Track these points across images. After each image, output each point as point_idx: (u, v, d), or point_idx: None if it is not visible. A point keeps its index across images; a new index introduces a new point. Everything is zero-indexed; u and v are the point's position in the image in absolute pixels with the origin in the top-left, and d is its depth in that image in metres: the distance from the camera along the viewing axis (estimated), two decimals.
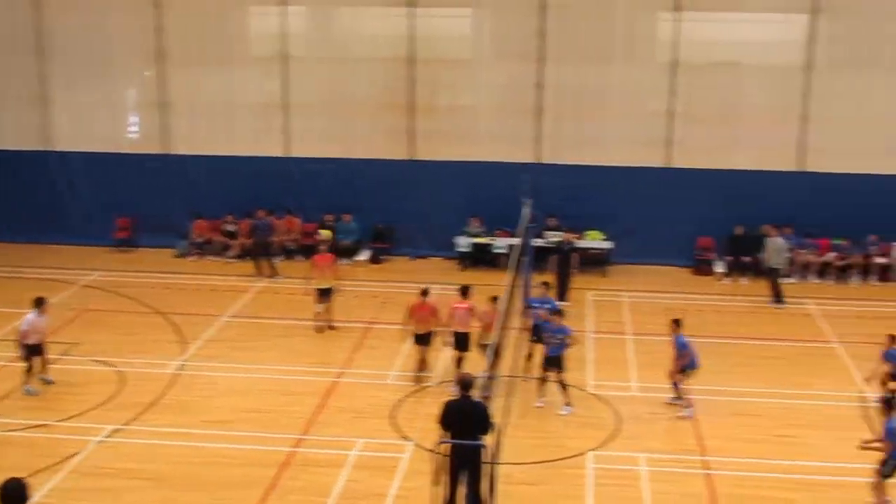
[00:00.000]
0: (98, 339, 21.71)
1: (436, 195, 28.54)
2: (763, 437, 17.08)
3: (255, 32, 29.60)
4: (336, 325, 22.47)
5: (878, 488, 14.59)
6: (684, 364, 18.21)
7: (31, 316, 18.65)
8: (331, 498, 15.17)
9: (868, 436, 15.82)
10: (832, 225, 27.11)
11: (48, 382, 18.97)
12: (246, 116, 29.22)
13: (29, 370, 18.70)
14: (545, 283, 20.89)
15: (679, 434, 17.49)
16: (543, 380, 18.45)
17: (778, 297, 24.92)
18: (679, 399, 18.31)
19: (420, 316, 19.55)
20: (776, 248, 25.00)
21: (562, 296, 24.37)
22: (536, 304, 19.86)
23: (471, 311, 19.16)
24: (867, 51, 26.99)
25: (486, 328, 18.95)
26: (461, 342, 19.15)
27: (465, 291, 19.42)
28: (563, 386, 18.25)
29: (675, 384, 18.37)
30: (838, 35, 26.90)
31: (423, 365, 19.66)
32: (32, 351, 18.66)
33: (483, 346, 18.31)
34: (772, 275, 25.07)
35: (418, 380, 19.49)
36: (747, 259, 26.85)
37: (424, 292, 19.79)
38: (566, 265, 24.82)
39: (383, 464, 16.22)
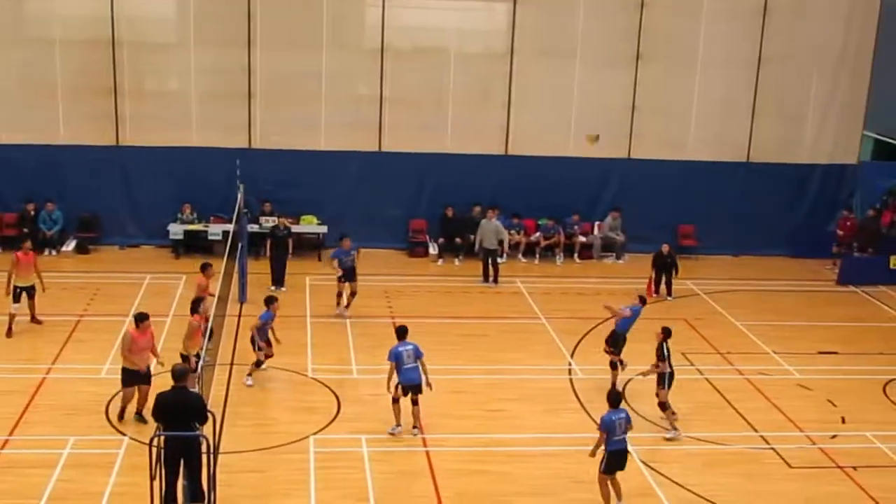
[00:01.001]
0: None
1: (146, 182, 27.73)
2: (476, 412, 17.75)
3: None
4: (41, 318, 21.40)
5: (602, 481, 14.86)
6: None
7: None
8: (41, 500, 14.53)
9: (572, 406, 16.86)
10: (536, 206, 28.43)
11: None
12: None
13: None
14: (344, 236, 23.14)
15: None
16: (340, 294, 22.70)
17: (489, 276, 25.83)
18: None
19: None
20: (490, 229, 25.90)
21: (278, 281, 24.39)
22: (342, 256, 22.73)
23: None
24: (562, 41, 28.38)
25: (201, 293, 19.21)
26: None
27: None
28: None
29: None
30: (536, 25, 28.15)
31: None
32: None
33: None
34: (486, 255, 25.97)
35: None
36: (459, 240, 27.71)
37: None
38: (281, 250, 24.78)
39: (98, 461, 15.68)
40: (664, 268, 25.41)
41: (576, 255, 28.47)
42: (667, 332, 17.63)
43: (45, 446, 16.16)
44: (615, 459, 14.81)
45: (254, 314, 21.28)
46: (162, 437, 12.52)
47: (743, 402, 19.10)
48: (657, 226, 27.03)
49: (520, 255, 27.82)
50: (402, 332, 17.45)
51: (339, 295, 23.08)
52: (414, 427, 17.04)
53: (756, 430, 17.94)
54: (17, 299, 20.75)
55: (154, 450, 12.11)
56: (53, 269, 25.61)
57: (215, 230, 27.02)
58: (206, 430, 12.89)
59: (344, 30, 28.28)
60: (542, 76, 28.40)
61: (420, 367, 17.06)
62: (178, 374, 13.15)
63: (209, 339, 18.04)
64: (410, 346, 17.17)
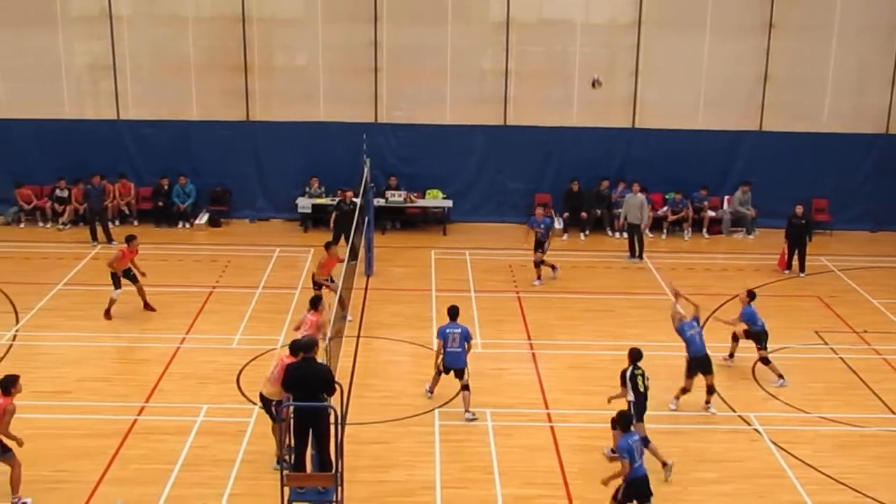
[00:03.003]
0: None
1: (274, 156, 28.20)
2: (601, 388, 17.54)
3: None
4: (154, 306, 21.32)
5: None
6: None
7: None
8: (176, 465, 14.97)
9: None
10: (663, 180, 27.97)
11: None
12: (72, 79, 28.20)
13: None
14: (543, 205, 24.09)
15: (522, 388, 17.86)
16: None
17: (635, 251, 25.46)
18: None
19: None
20: (635, 204, 25.53)
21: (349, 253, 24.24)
22: (536, 224, 23.29)
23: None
24: (691, 11, 27.77)
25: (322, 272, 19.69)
26: None
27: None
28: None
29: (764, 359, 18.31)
30: None
31: None
32: None
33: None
34: (631, 230, 25.67)
35: None
36: (584, 215, 27.47)
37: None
38: (347, 223, 24.49)
39: (229, 429, 16.07)
40: (797, 234, 24.53)
41: (704, 230, 27.92)
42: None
43: (179, 413, 16.64)
44: (635, 488, 13.19)
45: (381, 287, 21.63)
46: (291, 408, 12.72)
47: (879, 383, 18.47)
48: (789, 200, 26.25)
49: (645, 230, 27.48)
50: (453, 313, 17.15)
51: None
52: (466, 411, 16.68)
53: (893, 412, 17.36)
54: (119, 285, 20.93)
55: (284, 419, 12.32)
56: (186, 241, 26.40)
57: None
58: (334, 400, 13.06)
59: (469, 3, 28.18)
60: (669, 47, 27.83)
61: (465, 351, 16.82)
62: (306, 346, 13.31)
63: (342, 306, 18.33)
64: (458, 330, 16.84)
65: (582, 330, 20.62)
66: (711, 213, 28.00)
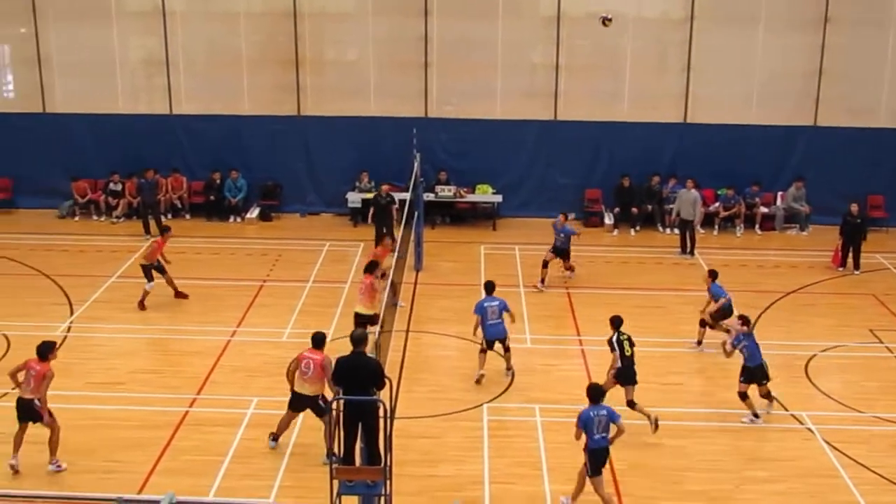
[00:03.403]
0: None
1: (325, 151, 28.33)
2: (651, 384, 17.43)
3: None
4: (185, 292, 21.67)
5: (597, 485, 13.78)
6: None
7: None
8: (226, 457, 15.09)
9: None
10: (715, 175, 27.69)
11: None
12: (126, 74, 28.53)
13: None
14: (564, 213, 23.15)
15: (572, 384, 17.72)
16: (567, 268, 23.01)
17: (686, 247, 25.26)
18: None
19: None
20: (688, 200, 25.33)
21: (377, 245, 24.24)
22: (556, 231, 22.81)
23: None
24: (744, 5, 27.49)
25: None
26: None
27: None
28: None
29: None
30: None
31: None
32: None
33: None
34: (683, 226, 25.48)
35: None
36: (635, 210, 27.30)
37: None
38: (384, 216, 24.56)
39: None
40: (852, 232, 24.19)
41: (756, 226, 27.62)
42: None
43: (230, 406, 16.77)
44: (596, 459, 13.64)
45: (430, 282, 21.65)
46: (341, 401, 12.76)
47: None
48: (844, 196, 25.87)
49: (697, 226, 27.22)
50: (489, 287, 17.87)
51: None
52: (507, 369, 17.80)
53: None
54: (151, 277, 21.04)
55: (333, 413, 12.35)
56: (238, 235, 26.60)
57: None
58: (383, 394, 13.07)
59: None
60: (722, 41, 27.58)
61: (504, 322, 17.54)
62: (357, 339, 13.31)
63: (393, 292, 18.49)
64: (496, 302, 17.52)
65: (632, 326, 20.24)
66: (764, 210, 27.70)
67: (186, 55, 28.16)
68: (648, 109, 27.90)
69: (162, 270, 21.22)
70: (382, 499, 12.32)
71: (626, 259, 25.11)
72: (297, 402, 15.17)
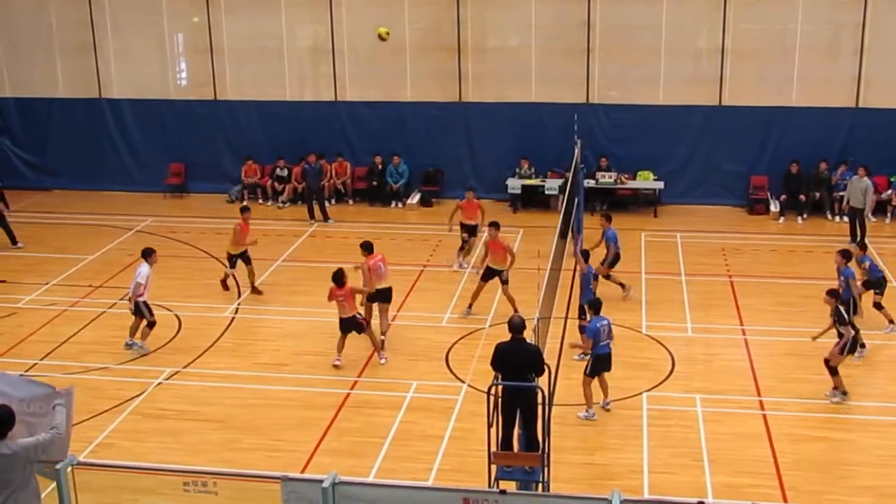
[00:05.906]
0: (154, 283, 21.90)
1: (485, 137, 28.44)
2: (817, 376, 16.92)
3: None
4: (261, 289, 21.69)
5: (586, 383, 15.92)
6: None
7: (144, 269, 18.41)
8: (386, 439, 15.36)
9: None
10: (889, 161, 26.63)
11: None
12: (294, 62, 29.25)
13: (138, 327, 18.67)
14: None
15: (734, 375, 17.43)
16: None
17: (856, 236, 24.27)
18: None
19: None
20: (860, 188, 24.44)
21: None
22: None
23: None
24: None
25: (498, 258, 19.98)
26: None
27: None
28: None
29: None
30: None
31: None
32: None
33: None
34: (853, 215, 24.66)
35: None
36: (803, 198, 26.52)
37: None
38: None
39: (438, 405, 16.37)
40: None
41: None
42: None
43: (390, 389, 17.06)
44: (601, 363, 15.84)
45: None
46: (499, 387, 12.84)
47: None
48: None
49: (868, 214, 26.20)
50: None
51: None
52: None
53: None
54: (233, 265, 21.33)
55: (491, 398, 12.43)
56: (399, 220, 26.97)
57: (552, 185, 27.30)
58: (542, 381, 13.08)
59: None
60: None
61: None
62: (517, 326, 13.37)
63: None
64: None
65: (800, 316, 19.87)
66: None
67: (351, 43, 28.67)
68: (818, 94, 27.01)
69: (248, 261, 21.32)
70: (540, 485, 12.35)
71: (792, 248, 24.42)
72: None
